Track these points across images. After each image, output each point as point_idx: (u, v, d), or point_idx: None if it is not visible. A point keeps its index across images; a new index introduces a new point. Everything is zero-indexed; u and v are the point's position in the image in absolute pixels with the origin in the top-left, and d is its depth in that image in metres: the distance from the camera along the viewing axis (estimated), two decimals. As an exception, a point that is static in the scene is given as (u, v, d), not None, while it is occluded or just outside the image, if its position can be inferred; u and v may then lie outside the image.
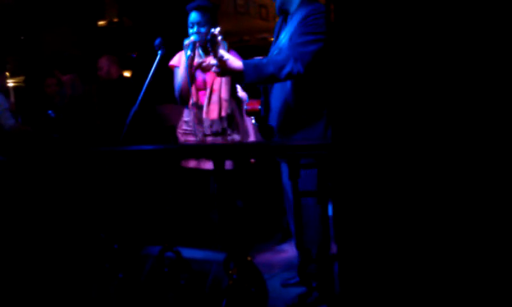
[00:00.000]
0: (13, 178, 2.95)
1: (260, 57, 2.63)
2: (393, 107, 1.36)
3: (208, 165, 3.25)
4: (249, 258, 1.99)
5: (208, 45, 2.43)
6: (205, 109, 3.25)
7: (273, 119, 2.65)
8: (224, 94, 3.22)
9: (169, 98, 3.63)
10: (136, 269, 2.35)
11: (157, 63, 3.17)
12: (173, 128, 3.59)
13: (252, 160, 3.51)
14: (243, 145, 2.74)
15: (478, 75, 1.28)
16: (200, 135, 3.32)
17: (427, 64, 1.33)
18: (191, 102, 3.31)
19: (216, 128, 3.27)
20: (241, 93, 3.07)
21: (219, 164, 2.02)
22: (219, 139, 3.28)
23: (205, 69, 3.28)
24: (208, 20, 3.21)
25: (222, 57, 2.44)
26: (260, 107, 2.67)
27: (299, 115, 2.55)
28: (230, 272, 1.94)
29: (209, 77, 3.26)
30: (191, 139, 3.38)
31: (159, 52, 3.19)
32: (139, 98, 3.10)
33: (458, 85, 1.30)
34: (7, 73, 5.20)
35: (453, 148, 1.31)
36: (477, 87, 1.28)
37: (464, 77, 1.29)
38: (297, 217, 1.93)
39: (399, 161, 1.36)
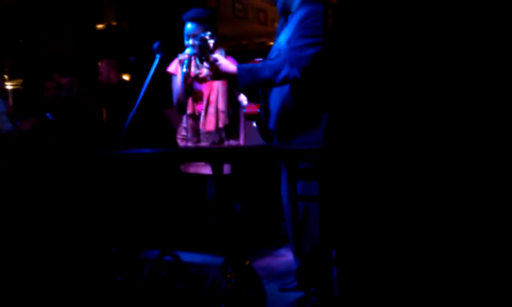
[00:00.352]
0: (10, 180, 2.94)
1: (259, 60, 2.62)
2: (391, 111, 1.37)
3: (206, 170, 3.24)
4: (247, 262, 1.99)
5: (198, 50, 2.41)
6: (202, 120, 3.23)
7: (272, 123, 2.64)
8: (222, 105, 3.18)
9: (168, 102, 3.63)
10: (135, 273, 2.35)
11: (156, 67, 3.17)
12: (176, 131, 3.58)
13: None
14: (242, 149, 2.74)
15: (474, 83, 1.29)
16: (194, 143, 3.31)
17: (424, 68, 1.33)
18: (187, 112, 3.28)
19: (212, 139, 3.24)
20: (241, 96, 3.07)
21: (217, 168, 2.03)
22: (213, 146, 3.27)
23: (202, 80, 3.25)
24: (205, 29, 3.07)
25: (216, 60, 2.43)
26: (259, 110, 2.66)
27: (298, 119, 2.54)
28: (228, 276, 1.94)
29: (206, 88, 3.23)
30: (190, 144, 3.38)
31: (158, 55, 3.19)
32: (138, 101, 3.09)
33: (453, 93, 1.30)
34: (5, 76, 5.19)
35: (450, 154, 1.31)
36: (474, 93, 1.29)
37: (461, 83, 1.30)
38: (294, 221, 1.94)
39: (396, 166, 1.37)
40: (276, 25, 2.85)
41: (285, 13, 2.64)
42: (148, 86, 3.10)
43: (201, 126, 3.24)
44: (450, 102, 1.31)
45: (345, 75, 1.44)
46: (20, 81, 6.10)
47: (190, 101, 3.29)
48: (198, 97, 3.27)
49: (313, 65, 2.42)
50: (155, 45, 3.20)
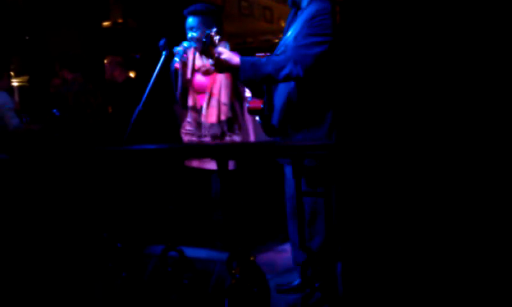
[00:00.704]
0: (16, 176, 2.96)
1: (261, 54, 2.62)
2: (399, 109, 1.37)
3: (210, 165, 3.24)
4: (252, 258, 2.00)
5: (205, 46, 2.42)
6: (204, 112, 3.24)
7: (276, 119, 2.64)
8: (224, 98, 3.20)
9: (174, 98, 3.64)
10: (139, 268, 2.35)
11: (162, 64, 3.18)
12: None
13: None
14: (247, 145, 2.75)
15: (482, 77, 1.28)
16: (197, 137, 3.32)
17: (433, 66, 1.33)
18: (189, 105, 3.31)
19: (214, 131, 3.25)
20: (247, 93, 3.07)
21: (223, 165, 2.03)
22: (217, 142, 3.27)
23: (206, 73, 3.27)
24: (207, 24, 3.13)
25: (220, 53, 2.43)
26: (262, 106, 2.65)
27: (302, 115, 2.54)
28: (233, 271, 1.95)
29: (208, 80, 3.25)
30: (194, 139, 3.39)
31: (164, 52, 3.20)
32: (143, 98, 3.11)
33: (464, 87, 1.30)
34: (12, 73, 5.22)
35: (459, 149, 1.31)
36: (482, 88, 1.28)
37: (470, 79, 1.29)
38: (300, 217, 1.94)
39: (403, 162, 1.37)
40: (283, 23, 2.84)
41: (295, 5, 2.62)
42: (154, 82, 3.12)
43: (203, 119, 3.25)
44: (459, 98, 1.31)
45: (353, 72, 1.44)
46: (26, 78, 6.13)
47: (192, 94, 3.31)
48: (200, 90, 3.28)
49: (318, 63, 2.41)
50: (161, 42, 3.22)
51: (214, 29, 2.42)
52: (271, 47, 3.06)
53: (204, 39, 2.41)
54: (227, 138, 3.27)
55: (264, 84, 2.64)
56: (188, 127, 3.41)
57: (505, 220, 1.27)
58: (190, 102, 3.31)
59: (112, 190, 2.50)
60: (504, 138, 1.26)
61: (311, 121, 2.53)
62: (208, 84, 3.24)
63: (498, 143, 1.27)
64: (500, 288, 1.29)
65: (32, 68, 6.04)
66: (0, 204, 2.84)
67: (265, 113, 2.65)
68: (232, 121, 3.28)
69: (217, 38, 2.41)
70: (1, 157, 2.64)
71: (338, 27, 1.46)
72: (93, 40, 6.16)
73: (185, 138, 3.43)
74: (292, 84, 2.54)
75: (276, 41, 2.83)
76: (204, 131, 3.29)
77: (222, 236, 3.34)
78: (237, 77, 2.49)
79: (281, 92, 2.60)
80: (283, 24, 2.83)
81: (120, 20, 6.53)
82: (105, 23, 6.48)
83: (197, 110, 3.29)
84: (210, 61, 2.51)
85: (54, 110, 4.37)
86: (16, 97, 5.43)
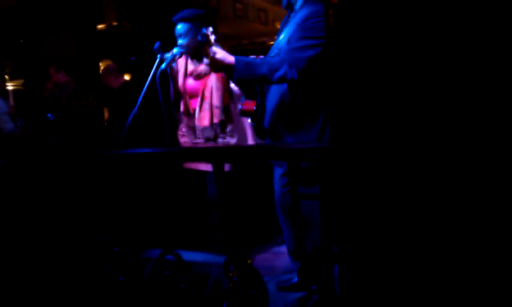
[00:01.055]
0: (11, 180, 2.95)
1: (253, 57, 2.63)
2: (393, 111, 1.37)
3: (205, 166, 3.25)
4: (249, 261, 2.00)
5: (199, 45, 2.41)
6: (196, 116, 3.26)
7: (267, 121, 2.65)
8: (216, 101, 3.21)
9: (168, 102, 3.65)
10: (136, 272, 2.35)
11: (157, 67, 3.18)
12: None
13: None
14: (242, 148, 2.75)
15: (475, 79, 1.29)
16: (191, 140, 3.35)
17: (425, 67, 1.34)
18: (180, 110, 3.34)
19: (207, 134, 3.26)
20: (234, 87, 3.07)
21: (218, 168, 2.03)
22: (211, 145, 3.29)
23: (197, 77, 3.28)
24: (195, 30, 3.12)
25: (215, 53, 2.42)
26: (255, 108, 2.66)
27: (294, 117, 2.55)
28: (230, 274, 1.95)
29: (200, 84, 3.26)
30: (187, 140, 3.42)
31: (158, 55, 3.20)
32: (139, 101, 3.10)
33: (455, 92, 1.31)
34: (6, 76, 5.20)
35: (451, 151, 1.31)
36: (475, 92, 1.29)
37: (461, 82, 1.30)
38: (296, 219, 1.94)
39: (398, 164, 1.37)
40: (278, 25, 2.85)
41: (290, 7, 2.63)
42: (149, 85, 3.12)
43: (196, 122, 3.27)
44: (452, 100, 1.31)
45: (346, 75, 1.44)
46: (21, 81, 6.11)
47: (184, 98, 3.33)
48: (193, 94, 3.29)
49: (311, 66, 2.42)
50: (156, 45, 3.21)
51: (210, 29, 2.41)
52: (266, 49, 3.07)
53: (200, 39, 2.40)
54: (220, 140, 3.28)
55: (257, 84, 2.64)
56: (184, 129, 3.42)
57: (502, 219, 1.28)
58: (182, 107, 3.34)
59: (109, 194, 2.50)
60: (500, 138, 1.27)
61: (303, 124, 2.54)
62: (200, 88, 3.26)
63: (493, 143, 1.28)
64: (499, 288, 1.29)
65: (27, 72, 6.02)
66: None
67: (258, 115, 2.65)
68: (225, 123, 3.29)
69: (213, 37, 2.41)
70: (-3, 162, 2.64)
71: (331, 30, 1.46)
72: (87, 43, 6.14)
73: (182, 140, 3.45)
74: (284, 86, 2.55)
75: (271, 43, 2.84)
76: (197, 134, 3.30)
77: (219, 240, 3.35)
78: (231, 76, 2.49)
79: (274, 94, 2.60)
80: (278, 26, 2.83)
81: (115, 23, 6.52)
82: (100, 26, 6.47)
83: (189, 115, 3.31)
84: (205, 60, 2.50)
85: (49, 115, 4.36)
86: (11, 101, 5.41)
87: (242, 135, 3.38)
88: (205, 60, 2.48)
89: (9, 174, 2.92)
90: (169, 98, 3.37)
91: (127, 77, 5.72)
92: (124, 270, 2.29)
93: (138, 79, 4.10)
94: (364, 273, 1.45)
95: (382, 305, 1.44)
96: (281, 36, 2.60)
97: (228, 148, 3.08)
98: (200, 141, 3.32)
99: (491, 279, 1.30)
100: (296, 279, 2.73)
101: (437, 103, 1.32)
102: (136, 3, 6.14)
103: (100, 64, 6.35)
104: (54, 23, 5.84)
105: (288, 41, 2.49)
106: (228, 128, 3.31)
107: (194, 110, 3.28)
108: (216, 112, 3.21)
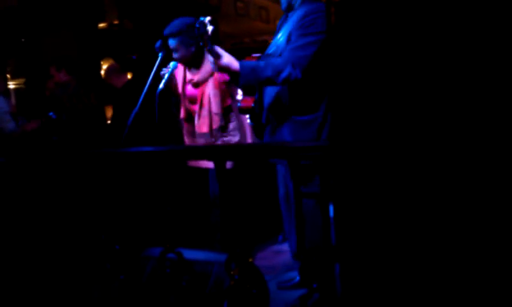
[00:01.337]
0: (13, 179, 2.95)
1: (257, 55, 2.63)
2: (394, 110, 1.37)
3: (207, 163, 3.28)
4: (250, 260, 2.00)
5: (197, 33, 2.40)
6: (196, 122, 3.30)
7: (264, 118, 2.66)
8: (214, 108, 3.25)
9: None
10: (138, 270, 2.36)
11: (158, 65, 3.19)
12: None
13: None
14: (244, 147, 2.75)
15: (477, 75, 1.29)
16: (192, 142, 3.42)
17: (427, 65, 1.34)
18: (180, 117, 3.42)
19: (206, 140, 3.32)
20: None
21: (220, 166, 2.03)
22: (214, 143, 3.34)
23: (195, 85, 3.33)
24: (186, 42, 3.20)
25: (220, 57, 2.44)
26: (253, 104, 2.66)
27: (290, 114, 2.56)
28: (232, 273, 1.95)
29: (199, 91, 3.30)
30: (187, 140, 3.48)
31: (160, 54, 3.20)
32: (140, 100, 3.11)
33: (455, 89, 1.30)
34: (8, 75, 5.20)
35: (452, 150, 1.31)
36: (477, 87, 1.29)
37: (464, 78, 1.30)
38: (298, 218, 1.94)
39: (399, 162, 1.37)
40: (278, 22, 2.86)
41: (290, 8, 2.64)
42: (151, 84, 3.13)
43: (196, 129, 3.32)
44: (452, 98, 1.31)
45: (348, 73, 1.44)
46: (22, 80, 6.11)
47: (184, 105, 3.40)
48: (192, 101, 3.35)
49: (311, 64, 2.44)
50: (158, 43, 3.22)
51: (208, 18, 2.40)
52: (267, 47, 3.08)
53: (197, 25, 2.38)
54: (219, 141, 3.31)
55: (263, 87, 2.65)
56: (185, 136, 3.51)
57: (502, 219, 1.27)
58: (182, 114, 3.41)
59: (110, 192, 2.50)
60: (500, 137, 1.27)
61: (299, 121, 2.54)
62: (199, 95, 3.31)
63: (494, 142, 1.27)
64: (499, 288, 1.29)
65: (29, 71, 6.03)
66: (-3, 207, 2.84)
67: (256, 112, 2.66)
68: (225, 127, 3.33)
69: (210, 27, 2.39)
70: (-2, 160, 2.64)
71: (333, 28, 1.46)
72: (89, 42, 6.14)
73: (186, 139, 3.51)
74: None
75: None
76: (197, 140, 3.36)
77: (220, 238, 3.36)
78: (237, 81, 2.50)
79: (271, 90, 2.61)
80: (278, 23, 2.84)
81: (116, 22, 6.51)
82: (101, 25, 6.46)
83: (190, 121, 3.37)
84: (210, 58, 2.50)
85: (51, 113, 4.36)
86: (13, 100, 5.41)
87: (243, 134, 3.40)
88: (210, 57, 2.49)
89: (10, 173, 2.92)
90: (169, 114, 3.44)
91: (128, 76, 5.72)
92: (125, 268, 2.29)
93: (141, 78, 4.10)
94: (365, 271, 1.45)
95: (383, 303, 1.44)
96: (280, 35, 2.61)
97: (229, 146, 3.09)
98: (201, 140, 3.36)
99: (491, 279, 1.30)
100: (298, 279, 2.73)
101: (439, 100, 1.32)
102: (137, 2, 6.13)
103: (102, 63, 6.35)
104: (55, 22, 5.84)
105: (288, 39, 2.50)
106: (231, 127, 3.33)
107: (194, 116, 3.35)
108: (215, 118, 3.26)
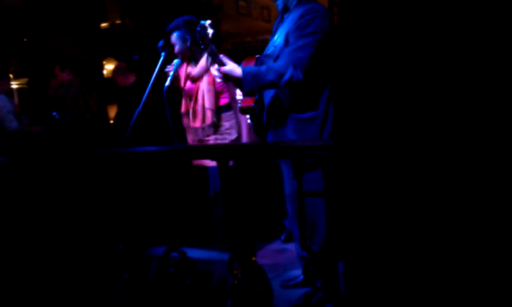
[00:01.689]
0: (16, 178, 2.96)
1: (259, 57, 2.65)
2: (398, 108, 1.37)
3: (211, 162, 3.32)
4: (253, 258, 2.00)
5: (198, 37, 2.44)
6: (190, 117, 3.42)
7: (265, 117, 2.67)
8: (208, 103, 3.33)
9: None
10: (142, 270, 2.36)
11: (161, 65, 3.20)
12: None
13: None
14: (247, 146, 2.75)
15: (483, 74, 1.29)
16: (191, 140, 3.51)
17: (431, 64, 1.34)
18: (181, 112, 3.52)
19: (200, 135, 3.40)
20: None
21: (223, 166, 2.04)
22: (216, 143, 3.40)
23: (193, 80, 3.41)
24: (182, 38, 3.34)
25: (223, 65, 2.50)
26: (254, 104, 2.68)
27: (290, 112, 2.57)
28: (235, 272, 1.95)
29: (195, 87, 3.39)
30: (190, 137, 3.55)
31: (162, 53, 3.22)
32: (143, 99, 3.12)
33: (460, 87, 1.31)
34: (10, 75, 5.22)
35: (461, 147, 1.32)
36: (484, 85, 1.29)
37: (469, 78, 1.30)
38: (301, 217, 1.94)
39: (404, 161, 1.38)
40: (274, 24, 2.88)
41: (285, 10, 2.67)
42: (154, 84, 3.14)
43: (190, 123, 3.43)
44: (457, 96, 1.31)
45: (352, 72, 1.44)
46: (25, 80, 6.13)
47: (183, 100, 3.50)
48: (190, 96, 3.44)
49: (311, 63, 2.46)
50: (160, 43, 3.24)
51: (209, 21, 2.44)
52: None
53: (198, 28, 2.42)
54: (212, 138, 3.38)
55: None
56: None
57: (505, 220, 1.28)
58: (182, 108, 3.51)
59: (114, 191, 2.51)
60: (505, 139, 1.27)
61: (302, 118, 2.56)
62: (194, 90, 3.40)
63: (500, 144, 1.28)
64: (500, 288, 1.29)
65: (31, 70, 6.04)
66: (1, 206, 2.85)
67: (256, 112, 2.67)
68: (217, 125, 3.39)
69: (210, 31, 2.42)
70: (1, 160, 2.65)
71: (336, 28, 1.47)
72: (91, 41, 6.15)
73: (187, 134, 3.56)
74: None
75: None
76: (192, 134, 3.47)
77: (223, 237, 3.38)
78: (241, 88, 2.54)
79: (270, 90, 2.62)
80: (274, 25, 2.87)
81: (118, 21, 6.53)
82: (103, 25, 6.47)
83: (188, 116, 3.47)
84: (195, 68, 2.57)
85: (54, 113, 4.38)
86: (16, 99, 5.43)
87: (239, 134, 3.44)
88: (196, 68, 2.53)
89: (14, 172, 2.93)
90: (177, 113, 3.50)
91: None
92: (129, 267, 2.30)
93: (142, 77, 4.11)
94: (369, 270, 1.45)
95: (386, 302, 1.44)
96: (277, 36, 2.64)
97: (233, 145, 3.10)
98: (194, 142, 3.45)
99: (493, 278, 1.30)
100: (302, 277, 2.73)
101: (442, 98, 1.33)
102: (138, 1, 6.14)
103: (104, 62, 6.36)
104: (57, 22, 5.85)
105: (286, 40, 2.53)
106: (227, 125, 3.36)
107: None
108: (208, 114, 3.33)
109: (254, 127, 2.78)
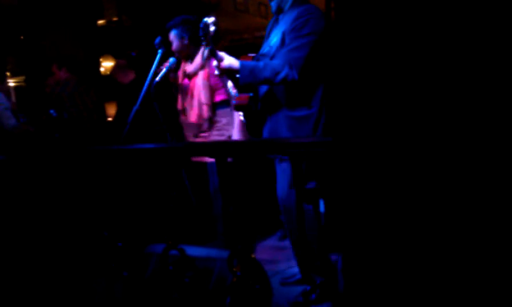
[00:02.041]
0: (13, 176, 2.95)
1: (252, 55, 2.68)
2: (397, 106, 1.37)
3: (210, 158, 3.35)
4: (252, 255, 2.00)
5: (201, 34, 2.47)
6: (187, 113, 3.48)
7: (261, 114, 2.70)
8: (204, 98, 3.38)
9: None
10: (141, 267, 2.36)
11: (158, 62, 3.20)
12: None
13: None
14: (246, 143, 2.75)
15: (481, 71, 1.29)
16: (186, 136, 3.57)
17: (428, 61, 1.34)
18: (178, 108, 3.59)
19: (196, 130, 3.47)
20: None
21: (221, 163, 2.04)
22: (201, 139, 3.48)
23: (189, 76, 3.47)
24: (179, 36, 3.41)
25: (221, 59, 2.54)
26: (248, 101, 2.70)
27: (286, 110, 2.60)
28: (234, 269, 1.96)
29: (191, 83, 3.46)
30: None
31: (159, 50, 3.22)
32: (140, 97, 3.11)
33: (457, 85, 1.31)
34: (8, 73, 5.20)
35: (458, 147, 1.32)
36: (480, 82, 1.29)
37: (467, 75, 1.30)
38: (299, 213, 1.94)
39: (401, 158, 1.37)
40: (268, 25, 2.91)
41: (280, 11, 2.73)
42: (151, 81, 3.14)
43: (187, 119, 3.48)
44: (454, 93, 1.31)
45: (349, 68, 1.44)
46: (22, 78, 6.11)
47: (179, 97, 3.56)
48: (187, 92, 3.50)
49: (306, 62, 2.51)
50: (157, 40, 3.23)
51: (213, 18, 2.47)
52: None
53: (201, 25, 2.46)
54: (214, 132, 3.43)
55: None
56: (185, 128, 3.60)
57: (505, 218, 1.28)
58: (179, 105, 3.58)
59: (113, 189, 2.50)
60: (502, 136, 1.27)
61: (296, 117, 2.58)
62: (190, 86, 3.46)
63: (496, 141, 1.28)
64: (500, 287, 1.30)
65: (28, 68, 6.02)
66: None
67: (252, 109, 2.70)
68: (213, 120, 3.45)
69: (212, 28, 2.45)
70: (-1, 158, 2.64)
71: (333, 24, 1.46)
72: (88, 39, 6.13)
73: (185, 131, 3.60)
74: None
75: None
76: (188, 129, 3.52)
77: (223, 231, 3.40)
78: (235, 80, 2.59)
79: (265, 87, 2.66)
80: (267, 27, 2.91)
81: (115, 18, 6.50)
82: (100, 22, 6.44)
83: (185, 113, 3.53)
84: (191, 65, 2.57)
85: (51, 111, 4.37)
86: (13, 97, 5.41)
87: (234, 130, 3.46)
88: (192, 65, 2.54)
89: (11, 170, 2.92)
90: (168, 107, 3.54)
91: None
92: (128, 265, 2.30)
93: (139, 74, 4.11)
94: (367, 267, 1.45)
95: (385, 299, 1.44)
96: (272, 36, 2.69)
97: (231, 142, 3.11)
98: (190, 137, 3.52)
99: (493, 277, 1.30)
100: (299, 275, 2.74)
101: (439, 97, 1.32)
102: (135, -2, 6.13)
103: (101, 60, 6.34)
104: (54, 20, 5.83)
105: (283, 41, 2.58)
106: (224, 121, 3.40)
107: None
108: (204, 108, 3.39)
109: (247, 125, 2.81)
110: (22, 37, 5.94)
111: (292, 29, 2.55)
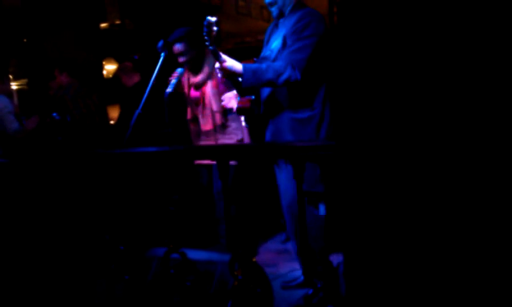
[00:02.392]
0: (16, 179, 2.96)
1: (257, 60, 2.69)
2: (401, 109, 1.37)
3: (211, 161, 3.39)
4: (253, 259, 2.00)
5: (204, 32, 2.48)
6: (200, 121, 3.55)
7: (263, 117, 2.71)
8: (215, 106, 3.46)
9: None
10: (142, 271, 2.36)
11: (160, 65, 3.20)
12: None
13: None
14: (248, 146, 2.76)
15: (484, 73, 1.29)
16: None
17: (431, 63, 1.34)
18: (187, 118, 3.67)
19: (213, 137, 3.52)
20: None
21: (224, 167, 2.03)
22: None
23: (197, 87, 3.53)
24: (193, 45, 3.45)
25: (224, 61, 2.54)
26: (250, 104, 2.71)
27: (289, 112, 2.61)
28: (235, 273, 1.95)
29: (200, 93, 3.52)
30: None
31: (162, 54, 3.22)
32: (143, 100, 3.12)
33: (461, 87, 1.31)
34: (10, 76, 5.21)
35: (459, 147, 1.31)
36: (485, 84, 1.29)
37: (469, 78, 1.30)
38: (301, 218, 1.94)
39: (405, 161, 1.37)
40: (267, 29, 2.92)
41: (281, 16, 2.74)
42: (153, 85, 3.14)
43: (201, 127, 3.57)
44: (458, 95, 1.31)
45: (352, 72, 1.44)
46: (24, 81, 6.12)
47: (189, 107, 3.65)
48: (197, 102, 3.58)
49: (308, 64, 2.54)
50: (160, 43, 3.24)
51: (214, 19, 2.48)
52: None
53: (205, 23, 2.47)
54: (222, 138, 3.49)
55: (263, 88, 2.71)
56: (192, 136, 3.70)
57: (506, 220, 1.27)
58: (188, 115, 3.65)
59: (115, 192, 2.51)
60: (505, 139, 1.27)
61: (298, 119, 2.59)
62: (200, 96, 3.53)
63: (499, 144, 1.28)
64: (501, 288, 1.29)
65: (31, 71, 6.04)
66: (2, 207, 2.85)
67: (254, 112, 2.71)
68: (225, 125, 3.52)
69: (215, 28, 2.47)
70: (1, 161, 2.64)
71: (335, 28, 1.47)
72: (90, 42, 6.15)
73: (193, 139, 3.67)
74: None
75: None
76: (202, 138, 3.57)
77: (226, 233, 3.40)
78: (239, 86, 2.60)
79: (268, 89, 2.67)
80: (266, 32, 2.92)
81: (118, 22, 6.51)
82: (103, 25, 6.46)
83: (195, 122, 3.61)
84: (201, 76, 2.58)
85: (54, 114, 4.38)
86: (16, 100, 5.42)
87: (244, 134, 3.50)
88: (200, 75, 2.55)
89: (14, 173, 2.93)
90: (178, 117, 3.67)
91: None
92: (130, 268, 2.30)
93: (147, 78, 4.11)
94: (369, 270, 1.45)
95: (387, 302, 1.44)
96: (273, 42, 2.71)
97: (233, 145, 3.13)
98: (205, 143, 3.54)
99: (493, 278, 1.30)
100: (302, 278, 2.73)
101: (443, 98, 1.32)
102: (138, 2, 6.13)
103: (103, 63, 6.35)
104: (57, 22, 5.85)
105: (284, 44, 2.60)
106: (234, 126, 3.44)
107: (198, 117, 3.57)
108: (217, 116, 3.48)
109: (249, 129, 2.82)
110: (24, 40, 5.95)
111: (294, 32, 2.57)
